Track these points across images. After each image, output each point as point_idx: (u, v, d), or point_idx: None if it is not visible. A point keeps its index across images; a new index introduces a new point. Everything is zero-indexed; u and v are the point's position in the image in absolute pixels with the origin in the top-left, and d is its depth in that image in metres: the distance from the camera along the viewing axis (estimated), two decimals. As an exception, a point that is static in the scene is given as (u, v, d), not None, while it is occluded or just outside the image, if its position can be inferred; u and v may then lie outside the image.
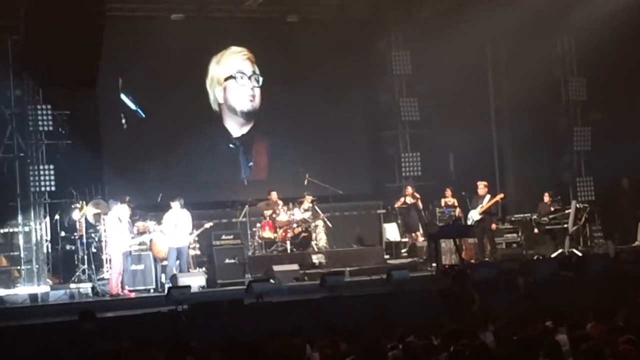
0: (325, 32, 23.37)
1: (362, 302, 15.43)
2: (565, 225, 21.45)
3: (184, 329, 13.72)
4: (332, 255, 21.25)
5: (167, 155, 22.30)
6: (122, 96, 22.09)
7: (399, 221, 23.31)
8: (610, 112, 23.88)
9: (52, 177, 19.58)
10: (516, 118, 25.32)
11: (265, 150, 23.85)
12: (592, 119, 24.49)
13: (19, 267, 19.57)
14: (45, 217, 19.92)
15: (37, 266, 19.43)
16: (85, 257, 19.43)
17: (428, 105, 23.99)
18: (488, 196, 21.45)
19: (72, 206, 20.01)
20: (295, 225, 21.40)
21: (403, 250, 22.75)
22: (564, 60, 24.81)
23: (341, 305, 15.11)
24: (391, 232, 23.34)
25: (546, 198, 22.10)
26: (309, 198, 21.80)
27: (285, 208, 21.53)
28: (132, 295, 18.60)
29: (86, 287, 18.99)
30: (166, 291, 16.66)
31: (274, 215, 21.40)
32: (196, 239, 20.15)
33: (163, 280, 19.20)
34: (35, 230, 19.71)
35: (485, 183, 21.77)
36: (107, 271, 19.11)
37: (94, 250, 19.53)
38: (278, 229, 21.36)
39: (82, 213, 19.66)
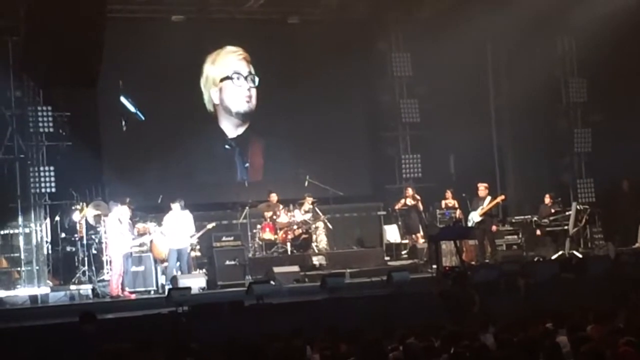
0: (326, 33, 23.36)
1: (363, 304, 15.43)
2: (566, 227, 21.46)
3: (184, 331, 13.72)
4: (332, 256, 21.25)
5: (167, 156, 22.32)
6: (122, 99, 22.09)
7: (400, 223, 23.30)
8: (610, 113, 23.86)
9: (53, 179, 19.59)
10: (516, 119, 25.31)
11: (260, 151, 23.80)
12: (593, 121, 24.47)
13: (19, 269, 19.57)
14: (45, 218, 19.92)
15: (37, 267, 19.43)
16: (86, 258, 19.43)
17: (428, 106, 23.99)
18: (489, 198, 21.46)
19: (73, 207, 20.01)
20: (295, 226, 21.40)
21: (403, 252, 22.73)
22: (564, 61, 24.81)
23: (341, 307, 15.12)
24: (391, 233, 23.33)
25: (547, 200, 22.10)
26: (309, 199, 21.80)
27: (286, 210, 21.53)
28: (133, 296, 18.61)
29: (86, 289, 18.99)
30: (166, 293, 16.65)
31: (274, 217, 21.40)
32: (197, 240, 20.14)
33: (163, 281, 19.20)
34: (35, 231, 19.71)
35: (485, 185, 21.77)
36: (108, 273, 19.11)
37: (94, 251, 19.54)
38: (278, 231, 21.36)
39: (83, 214, 19.66)
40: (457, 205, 22.46)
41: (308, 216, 21.64)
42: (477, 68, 24.63)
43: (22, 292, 18.96)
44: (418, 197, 22.70)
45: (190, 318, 14.44)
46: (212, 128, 23.22)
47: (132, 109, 22.20)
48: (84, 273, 19.35)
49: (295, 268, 20.01)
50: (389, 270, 18.50)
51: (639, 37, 22.47)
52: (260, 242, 21.26)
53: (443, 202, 22.78)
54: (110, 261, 18.95)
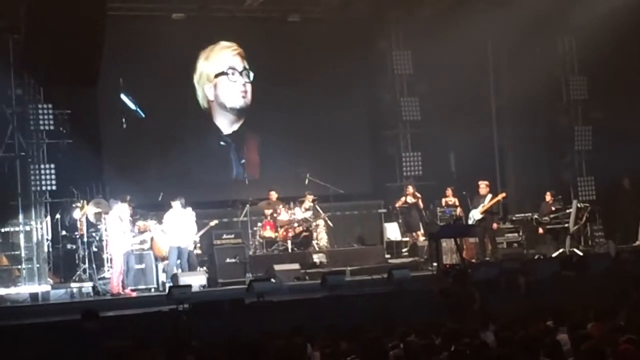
0: (326, 32, 23.38)
1: (363, 302, 15.43)
2: (566, 225, 21.46)
3: (185, 328, 13.72)
4: (333, 254, 21.26)
5: (167, 154, 22.31)
6: (122, 96, 22.09)
7: (400, 221, 23.30)
8: (611, 111, 23.85)
9: (53, 176, 19.57)
10: (517, 117, 25.32)
11: (256, 147, 23.76)
12: (593, 119, 24.48)
13: (19, 266, 19.55)
14: (46, 216, 19.92)
15: (38, 265, 19.43)
16: (86, 256, 19.43)
17: (429, 104, 23.98)
18: (489, 196, 21.44)
19: (73, 205, 20.01)
20: (296, 224, 21.41)
21: (404, 250, 22.73)
22: (565, 59, 24.82)
23: (342, 305, 15.11)
24: (392, 231, 23.33)
25: (548, 197, 22.09)
26: (310, 197, 21.81)
27: (286, 207, 21.53)
28: (134, 294, 18.62)
29: (87, 287, 19.00)
30: (167, 290, 16.65)
31: (274, 215, 21.40)
32: (198, 238, 20.16)
33: (164, 279, 19.20)
34: (36, 229, 19.70)
35: (486, 182, 21.76)
36: (108, 270, 19.12)
37: (94, 249, 19.53)
38: (279, 228, 21.37)
39: (83, 212, 19.67)
40: (457, 203, 22.47)
41: (309, 214, 21.65)
42: (477, 66, 24.62)
43: (23, 289, 18.96)
44: (419, 195, 22.70)
45: (191, 316, 14.44)
46: (207, 125, 23.17)
47: (132, 106, 22.19)
48: (84, 271, 19.36)
49: (296, 266, 20.02)
50: (389, 268, 18.49)
51: (639, 35, 22.48)
52: (261, 240, 21.27)
53: (443, 200, 22.79)
54: (111, 259, 18.96)
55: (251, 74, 23.33)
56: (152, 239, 19.63)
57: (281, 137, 23.30)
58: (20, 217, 19.75)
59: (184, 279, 18.20)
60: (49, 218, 19.99)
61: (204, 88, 23.13)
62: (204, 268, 19.93)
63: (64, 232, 20.25)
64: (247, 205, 21.48)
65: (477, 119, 24.73)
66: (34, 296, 18.69)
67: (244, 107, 23.43)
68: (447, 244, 20.18)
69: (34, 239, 19.63)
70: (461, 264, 18.34)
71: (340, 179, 22.75)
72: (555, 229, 21.70)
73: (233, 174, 23.39)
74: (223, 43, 23.21)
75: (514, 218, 23.01)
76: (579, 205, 21.93)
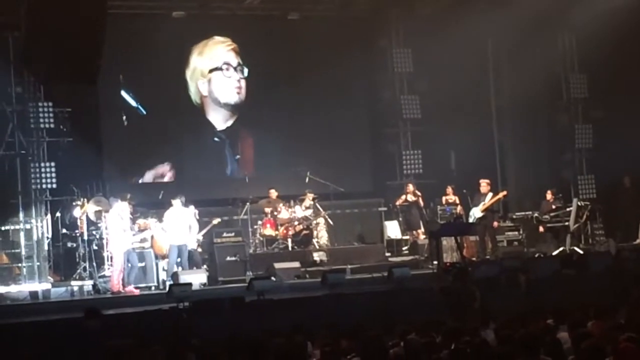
0: (326, 30, 23.39)
1: (363, 300, 15.42)
2: (567, 223, 21.47)
3: (185, 327, 13.72)
4: (333, 252, 21.25)
5: (168, 152, 22.30)
6: (123, 93, 22.09)
7: (400, 219, 23.31)
8: (611, 109, 23.86)
9: (53, 175, 19.59)
10: (517, 115, 25.33)
11: (251, 144, 23.71)
12: (594, 117, 24.48)
13: (20, 265, 19.57)
14: (46, 214, 19.93)
15: (38, 263, 19.45)
16: (87, 254, 19.43)
17: (429, 102, 23.96)
18: (490, 194, 21.44)
19: (74, 203, 20.01)
20: (296, 222, 21.41)
21: (404, 248, 22.74)
22: (565, 57, 24.81)
23: (342, 303, 15.11)
24: (392, 229, 23.33)
25: (549, 196, 22.09)
26: (310, 195, 21.80)
27: (287, 206, 21.53)
28: (137, 292, 18.67)
29: (87, 285, 19.00)
30: (167, 288, 16.66)
31: (275, 213, 21.40)
32: (202, 237, 20.17)
33: (164, 277, 19.21)
34: (36, 227, 19.71)
35: (487, 181, 21.74)
36: (109, 269, 19.12)
37: (95, 247, 19.53)
38: (279, 227, 21.36)
39: (84, 210, 19.66)
40: (457, 202, 22.46)
41: (309, 212, 21.65)
42: (478, 64, 24.64)
43: (23, 288, 18.96)
44: (419, 193, 22.69)
45: (191, 314, 14.44)
46: (201, 121, 23.10)
47: (133, 103, 22.20)
48: (84, 269, 19.36)
49: (296, 264, 20.02)
50: (389, 266, 18.46)
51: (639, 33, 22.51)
52: (261, 238, 21.26)
53: (444, 198, 22.78)
54: (111, 257, 18.96)
55: (245, 70, 23.27)
56: (152, 237, 19.65)
57: (281, 135, 23.32)
58: (21, 215, 19.76)
59: (185, 277, 18.20)
60: (49, 216, 20.00)
61: (198, 83, 23.01)
62: (205, 266, 19.92)
63: (64, 230, 20.25)
64: (248, 204, 21.47)
65: (478, 117, 24.75)
66: (34, 294, 18.69)
67: (238, 103, 23.36)
68: (447, 242, 20.19)
69: (34, 237, 19.64)
70: (461, 262, 18.35)
71: (340, 177, 22.74)
72: (556, 227, 21.70)
73: (228, 171, 23.38)
74: (217, 38, 23.12)
75: (514, 216, 23.01)
76: (579, 203, 21.93)
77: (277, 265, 19.62)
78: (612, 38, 21.92)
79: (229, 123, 23.33)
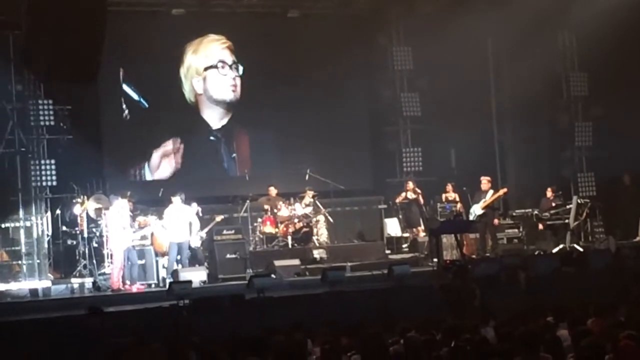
0: (326, 28, 23.37)
1: (363, 297, 15.40)
2: (567, 221, 21.43)
3: (185, 324, 13.72)
4: (333, 250, 21.25)
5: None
6: (125, 87, 22.10)
7: (400, 216, 23.32)
8: (611, 107, 23.82)
9: (54, 172, 19.62)
10: (517, 113, 25.32)
11: (247, 142, 23.69)
12: (594, 115, 24.47)
13: (20, 262, 19.60)
14: (46, 211, 19.95)
15: (38, 261, 19.48)
16: (87, 252, 19.45)
17: (429, 100, 23.97)
18: (491, 191, 21.42)
19: (74, 201, 20.02)
20: (296, 220, 21.41)
21: (404, 246, 22.75)
22: (565, 55, 24.82)
23: (342, 301, 15.10)
24: (392, 227, 23.35)
25: (549, 193, 22.07)
26: (310, 193, 21.81)
27: (287, 203, 21.53)
28: (143, 288, 18.71)
29: (87, 282, 19.01)
30: (167, 286, 16.66)
31: (275, 210, 21.40)
32: (206, 234, 20.20)
33: (164, 275, 19.22)
34: (36, 225, 19.74)
35: (488, 178, 21.71)
36: (109, 266, 19.14)
37: (95, 245, 19.55)
38: (279, 224, 21.37)
39: (84, 208, 19.68)
40: (457, 199, 22.46)
41: (309, 210, 21.65)
42: (478, 63, 24.61)
43: (23, 285, 18.99)
44: (419, 191, 22.70)
45: (191, 311, 14.42)
46: (196, 119, 23.06)
47: (135, 97, 22.20)
48: (84, 266, 19.37)
49: (296, 261, 20.02)
50: (389, 263, 18.47)
51: (640, 31, 22.51)
52: (261, 236, 21.27)
53: (444, 196, 22.78)
54: (111, 254, 18.97)
55: (240, 68, 23.24)
56: (152, 234, 19.66)
57: (280, 133, 23.34)
58: (21, 212, 19.79)
59: (185, 275, 18.21)
60: (49, 214, 20.02)
61: (192, 81, 22.97)
62: (205, 264, 19.93)
63: (64, 228, 20.27)
64: (247, 201, 21.47)
65: (478, 115, 24.74)
66: (34, 292, 18.71)
67: (233, 101, 23.33)
68: (447, 239, 20.21)
69: (34, 235, 19.66)
70: (461, 259, 18.34)
71: (340, 174, 22.73)
72: (556, 225, 21.68)
73: (225, 169, 23.38)
74: (211, 36, 23.09)
75: (514, 214, 23.01)
76: (579, 201, 21.90)
77: (277, 263, 19.61)
78: (612, 36, 21.92)
79: (224, 121, 23.32)
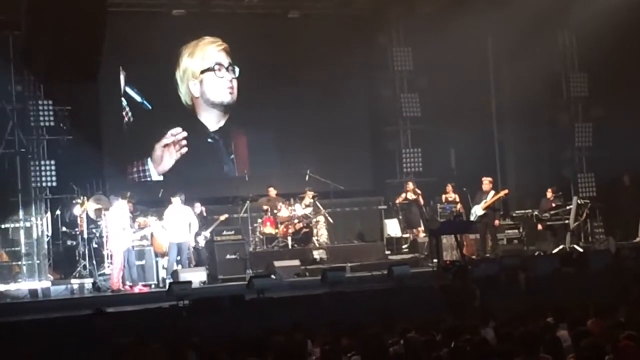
0: (326, 28, 23.38)
1: (363, 298, 15.40)
2: (567, 221, 21.43)
3: (185, 325, 13.72)
4: (333, 250, 21.25)
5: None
6: (127, 89, 22.10)
7: (400, 217, 23.32)
8: (611, 108, 23.82)
9: (53, 173, 19.62)
10: (517, 114, 25.32)
11: (245, 143, 23.68)
12: (594, 115, 24.47)
13: (19, 262, 19.59)
14: (46, 212, 19.95)
15: (38, 261, 19.47)
16: (86, 252, 19.44)
17: (429, 101, 23.97)
18: (492, 192, 21.41)
19: (73, 201, 20.01)
20: (296, 220, 21.41)
21: (404, 246, 22.75)
22: (565, 56, 24.83)
23: (342, 301, 15.09)
24: (392, 227, 23.35)
25: (549, 194, 22.06)
26: (310, 194, 21.80)
27: (287, 204, 21.53)
28: (146, 290, 18.69)
29: (87, 283, 19.00)
30: (167, 287, 16.65)
31: (275, 211, 21.40)
32: (209, 234, 20.21)
33: (164, 275, 19.22)
34: (36, 225, 19.73)
35: (490, 179, 21.70)
36: (108, 267, 19.13)
37: (95, 245, 19.54)
38: (279, 225, 21.36)
39: (83, 208, 19.67)
40: (457, 200, 22.45)
41: (309, 210, 21.65)
42: (478, 63, 24.61)
43: (23, 286, 18.97)
44: (419, 192, 22.70)
45: (191, 312, 14.43)
46: (194, 122, 23.04)
47: (138, 99, 22.20)
48: (84, 267, 19.36)
49: (296, 262, 20.01)
50: (389, 264, 18.45)
51: (640, 31, 22.51)
52: (261, 236, 21.26)
53: (444, 197, 22.77)
54: (111, 255, 18.96)
55: (237, 70, 23.22)
56: (152, 235, 19.65)
57: (280, 134, 23.31)
58: (21, 213, 19.79)
59: (184, 276, 18.20)
60: (49, 214, 20.02)
61: (189, 84, 22.94)
62: (205, 265, 19.93)
63: (64, 229, 20.27)
64: (247, 202, 21.47)
65: (478, 115, 24.75)
66: (33, 292, 18.68)
67: (230, 103, 23.31)
68: (447, 240, 20.18)
69: (34, 235, 19.66)
70: (461, 260, 18.32)
71: (340, 175, 22.73)
72: (556, 226, 21.67)
73: (224, 170, 23.37)
74: (207, 38, 23.06)
75: (514, 214, 22.99)
76: (579, 201, 21.90)
77: (277, 264, 19.60)
78: (612, 36, 21.91)
79: (222, 123, 23.30)
